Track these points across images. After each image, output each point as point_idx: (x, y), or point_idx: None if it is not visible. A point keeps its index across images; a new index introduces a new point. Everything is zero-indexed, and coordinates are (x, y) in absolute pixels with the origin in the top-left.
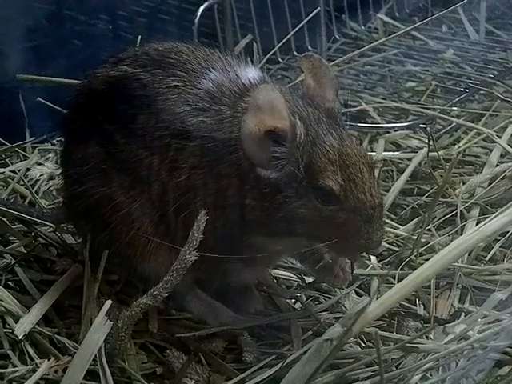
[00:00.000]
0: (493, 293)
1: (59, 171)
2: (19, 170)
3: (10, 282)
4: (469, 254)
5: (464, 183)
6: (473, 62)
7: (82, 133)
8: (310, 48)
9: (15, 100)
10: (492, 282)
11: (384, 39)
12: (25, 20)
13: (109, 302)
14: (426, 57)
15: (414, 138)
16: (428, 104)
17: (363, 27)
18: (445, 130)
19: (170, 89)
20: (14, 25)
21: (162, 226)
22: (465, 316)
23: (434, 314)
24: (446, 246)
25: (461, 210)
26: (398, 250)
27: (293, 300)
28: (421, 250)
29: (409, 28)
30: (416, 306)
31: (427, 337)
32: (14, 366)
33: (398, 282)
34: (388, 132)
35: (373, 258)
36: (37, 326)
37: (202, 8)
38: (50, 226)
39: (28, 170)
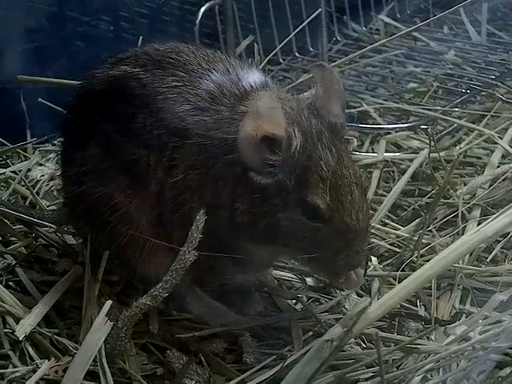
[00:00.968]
0: (494, 294)
1: (59, 172)
2: (20, 171)
3: (10, 283)
4: (470, 255)
5: (465, 184)
6: (474, 63)
7: (81, 133)
8: (311, 49)
9: (16, 101)
10: (493, 283)
11: (385, 40)
12: (26, 21)
13: (109, 303)
14: (428, 58)
15: (415, 138)
16: (429, 105)
17: (364, 28)
18: (446, 131)
19: (169, 88)
20: (16, 26)
21: (159, 227)
22: (466, 317)
23: (434, 315)
24: (447, 246)
25: (462, 211)
26: (398, 251)
27: (293, 301)
28: (422, 251)
29: (410, 29)
30: (417, 307)
31: (428, 338)
32: (15, 367)
33: (399, 283)
34: (389, 133)
35: (374, 258)
36: (37, 327)
37: (203, 9)
38: (51, 227)
39: (29, 170)
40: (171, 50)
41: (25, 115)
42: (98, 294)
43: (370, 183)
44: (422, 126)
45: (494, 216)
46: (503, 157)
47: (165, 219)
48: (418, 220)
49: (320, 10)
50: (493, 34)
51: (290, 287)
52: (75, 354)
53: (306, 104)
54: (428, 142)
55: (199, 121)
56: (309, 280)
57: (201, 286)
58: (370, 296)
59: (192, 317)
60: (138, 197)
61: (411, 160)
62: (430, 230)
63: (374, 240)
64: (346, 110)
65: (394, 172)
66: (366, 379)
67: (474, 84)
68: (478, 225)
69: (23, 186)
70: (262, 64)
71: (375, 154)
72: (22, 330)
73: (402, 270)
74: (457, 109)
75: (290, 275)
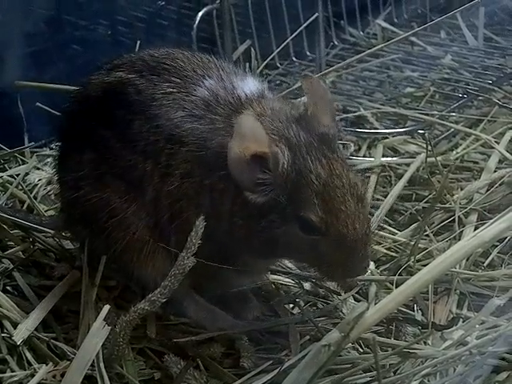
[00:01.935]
0: (491, 299)
1: (56, 177)
2: (17, 175)
3: (8, 287)
4: (467, 260)
5: (462, 189)
6: (471, 67)
7: (77, 139)
8: (308, 54)
9: (14, 105)
10: (490, 288)
11: (382, 45)
12: (24, 25)
13: (107, 307)
14: (425, 63)
15: (412, 143)
16: (426, 110)
17: (362, 33)
18: (443, 136)
19: (164, 95)
20: (14, 30)
21: (156, 232)
22: (463, 322)
23: (431, 319)
24: (444, 251)
25: (459, 216)
26: (396, 255)
27: (291, 305)
28: (419, 255)
29: (407, 34)
30: (414, 311)
31: (425, 343)
32: (12, 371)
33: (396, 287)
34: (386, 137)
35: (371, 263)
36: (35, 331)
37: (200, 13)
38: (49, 232)
39: (26, 174)
40: (166, 56)
41: (22, 119)
42: (96, 299)
43: (366, 189)
44: (419, 131)
45: (492, 221)
46: (500, 161)
47: (161, 226)
48: (414, 225)
49: (317, 14)
50: (490, 39)
51: (287, 292)
52: (73, 358)
53: (297, 115)
54: (425, 146)
55: (194, 128)
56: (306, 284)
57: (199, 291)
58: (368, 301)
59: (190, 321)
60: (134, 203)
61: (408, 164)
62: (427, 235)
63: (372, 250)
64: (343, 115)
65: (390, 176)
66: None
67: (470, 89)
68: (475, 230)
69: (21, 190)
70: (260, 68)
71: (372, 159)
72: (19, 334)
73: (399, 275)
74: (454, 113)
75: (287, 280)
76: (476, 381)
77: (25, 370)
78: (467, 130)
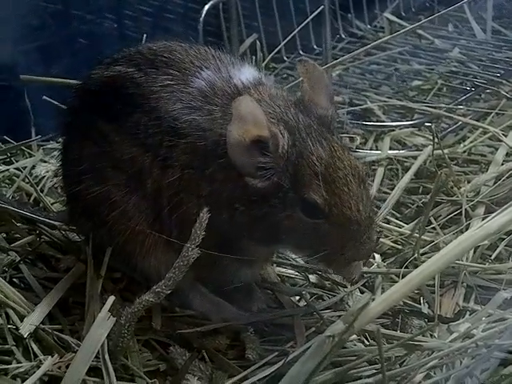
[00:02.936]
0: (498, 292)
1: (60, 171)
2: (24, 168)
3: (14, 279)
4: (474, 253)
5: (469, 182)
6: (479, 60)
7: (78, 133)
8: (315, 47)
9: (21, 98)
10: (497, 281)
11: (389, 37)
12: (31, 19)
13: (112, 298)
14: (432, 55)
15: (419, 136)
16: (433, 103)
17: (369, 26)
18: (450, 129)
19: (162, 87)
20: (20, 24)
21: (157, 224)
22: (469, 315)
23: (438, 312)
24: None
25: (466, 209)
26: (402, 248)
27: (296, 297)
28: (426, 248)
29: (414, 26)
30: (420, 304)
31: (431, 335)
32: (18, 362)
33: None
34: (393, 130)
35: (377, 256)
36: (40, 323)
37: (207, 7)
38: (55, 225)
39: (33, 167)
40: (164, 49)
41: (29, 113)
42: (101, 291)
43: (368, 171)
44: (426, 124)
45: (497, 212)
46: (507, 154)
47: (162, 218)
48: (419, 218)
49: (322, 7)
50: (498, 32)
51: (292, 284)
52: (78, 350)
53: (294, 100)
54: (432, 139)
55: (192, 120)
56: (312, 277)
57: (203, 282)
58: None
59: (195, 313)
60: (135, 195)
61: (415, 157)
62: (434, 228)
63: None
64: (350, 108)
65: (397, 169)
66: (369, 376)
67: (478, 82)
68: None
69: (27, 183)
70: (265, 61)
71: (379, 152)
72: (26, 327)
73: (405, 268)
74: (461, 106)
75: (292, 272)
76: (482, 374)
77: (30, 362)
78: (475, 122)
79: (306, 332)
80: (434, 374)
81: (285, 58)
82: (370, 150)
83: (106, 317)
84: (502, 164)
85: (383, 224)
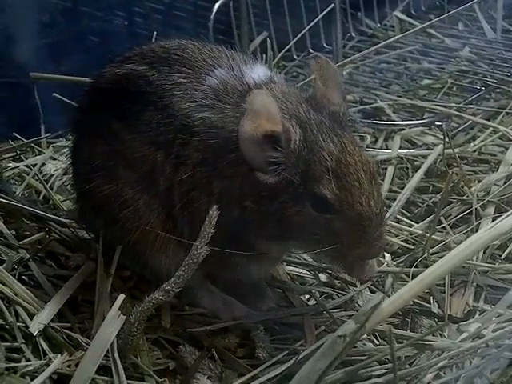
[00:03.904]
0: (508, 291)
1: (70, 169)
2: (34, 165)
3: (24, 277)
4: (484, 253)
5: (479, 181)
6: (489, 60)
7: (90, 130)
8: (325, 45)
9: (30, 96)
10: (507, 281)
11: (400, 36)
12: (41, 16)
13: (121, 297)
14: (442, 54)
15: (429, 135)
16: (444, 102)
17: (379, 25)
18: (460, 128)
19: (175, 85)
20: (30, 21)
21: (168, 222)
22: (479, 314)
23: (448, 312)
24: (461, 243)
25: (476, 208)
26: (412, 247)
27: (306, 296)
28: (436, 248)
29: (424, 25)
30: (430, 304)
31: (441, 335)
32: (28, 360)
33: (412, 279)
34: (403, 129)
35: (387, 255)
36: (50, 322)
37: (217, 5)
38: (65, 224)
39: (43, 165)
40: (177, 47)
41: (39, 110)
42: (111, 289)
43: (378, 167)
44: (437, 123)
45: (509, 213)
46: None
47: (174, 215)
48: (431, 217)
49: (332, 5)
50: (508, 31)
51: (302, 283)
52: (87, 348)
53: (306, 96)
54: (442, 138)
55: (204, 118)
56: (322, 275)
57: (213, 280)
58: (383, 292)
59: (204, 311)
60: (146, 193)
61: (425, 156)
62: (444, 227)
63: (387, 237)
64: (360, 107)
65: (407, 168)
66: (379, 376)
67: (488, 81)
68: (492, 222)
69: (37, 180)
70: (276, 60)
71: (389, 151)
72: (35, 325)
73: (416, 267)
74: (471, 105)
75: (302, 271)
76: (492, 374)
77: (40, 360)
78: (485, 122)
79: (316, 331)
80: (444, 373)
81: (295, 57)
82: (380, 148)
83: (116, 315)
84: None
85: (393, 223)
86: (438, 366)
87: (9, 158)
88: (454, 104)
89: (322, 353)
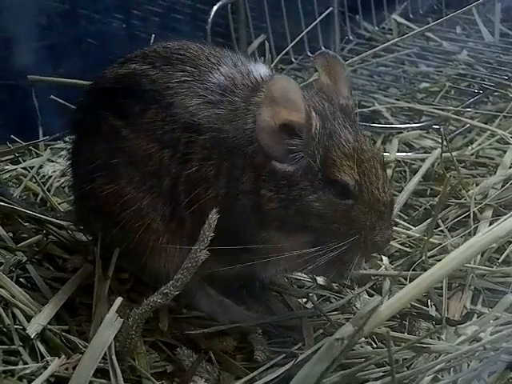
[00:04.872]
0: (505, 295)
1: (69, 170)
2: (31, 168)
3: (21, 279)
4: (481, 256)
5: (477, 185)
6: (487, 63)
7: (92, 131)
8: (323, 48)
9: (28, 98)
10: (504, 284)
11: (397, 39)
12: (39, 18)
13: (119, 300)
14: (440, 58)
15: (427, 138)
16: (441, 105)
17: (377, 28)
18: (458, 131)
19: (179, 83)
20: (28, 23)
21: (174, 222)
22: (477, 317)
23: (445, 315)
24: (459, 247)
25: (474, 212)
26: (410, 251)
27: (304, 299)
28: (434, 251)
29: (422, 28)
30: (428, 307)
31: (439, 338)
32: (25, 363)
33: (410, 282)
34: (401, 132)
35: (385, 258)
36: (47, 324)
37: (215, 7)
38: (63, 226)
39: (40, 167)
40: (179, 47)
41: (37, 112)
42: (108, 292)
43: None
44: (434, 126)
45: (507, 216)
46: None
47: (181, 214)
48: (429, 220)
49: (331, 8)
50: (506, 35)
51: (300, 286)
52: (85, 351)
53: (316, 90)
54: (440, 141)
55: (213, 115)
56: (319, 279)
57: (217, 283)
58: (381, 296)
59: (202, 314)
60: (150, 193)
61: (423, 160)
62: (442, 230)
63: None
64: (358, 110)
65: (405, 172)
66: (377, 379)
67: (486, 84)
68: (490, 225)
69: (34, 182)
70: (274, 63)
71: (387, 154)
72: (33, 328)
73: (413, 270)
74: (469, 109)
75: (300, 274)
76: (490, 377)
77: (37, 362)
78: (483, 125)
79: (314, 334)
80: (442, 376)
81: (293, 60)
82: None
83: (114, 318)
84: (510, 167)
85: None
86: (435, 369)
87: (6, 160)
88: (451, 107)
89: (319, 356)
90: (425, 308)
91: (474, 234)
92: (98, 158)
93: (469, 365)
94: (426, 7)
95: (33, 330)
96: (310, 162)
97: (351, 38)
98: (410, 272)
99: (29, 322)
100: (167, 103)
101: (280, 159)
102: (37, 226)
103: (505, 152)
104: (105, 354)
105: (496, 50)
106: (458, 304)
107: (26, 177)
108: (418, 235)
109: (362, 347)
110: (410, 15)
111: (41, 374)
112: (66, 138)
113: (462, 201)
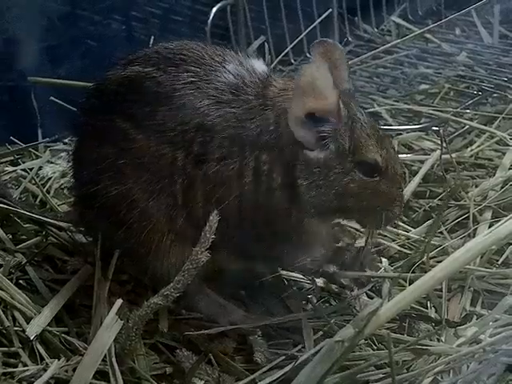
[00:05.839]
0: (504, 296)
1: (71, 172)
2: (31, 169)
3: (21, 281)
4: (481, 258)
5: (477, 186)
6: (486, 65)
7: (96, 133)
8: None
9: (28, 99)
10: (504, 286)
11: (397, 41)
12: (38, 20)
13: (119, 302)
14: (439, 59)
15: (426, 140)
16: (441, 107)
17: (376, 29)
18: (458, 133)
19: (186, 84)
20: (28, 24)
21: (185, 223)
22: (476, 319)
23: (445, 316)
24: (458, 248)
25: (473, 213)
26: (409, 252)
27: (304, 301)
28: (433, 252)
29: (422, 30)
30: (427, 308)
31: (438, 339)
32: (25, 365)
33: (410, 284)
34: (400, 134)
35: (384, 260)
36: (47, 326)
37: (214, 9)
38: (62, 227)
39: (40, 168)
40: (182, 47)
41: (36, 113)
42: (108, 293)
43: None
44: (434, 128)
45: (507, 218)
46: None
47: (197, 215)
48: (429, 222)
49: (330, 10)
50: (505, 36)
51: (299, 288)
52: (85, 353)
53: None
54: (439, 143)
55: (226, 114)
56: (319, 281)
57: (211, 285)
58: (381, 298)
59: (202, 316)
60: (157, 194)
61: (422, 161)
62: (441, 232)
63: (384, 241)
64: None
65: (405, 173)
66: (377, 380)
67: (485, 86)
68: (490, 227)
69: (34, 184)
70: (273, 64)
71: None
72: (32, 329)
73: (413, 272)
74: (468, 110)
75: (299, 276)
76: (489, 379)
77: (37, 365)
78: (482, 127)
79: (314, 336)
80: (441, 378)
81: (292, 61)
82: None
83: (114, 320)
84: (510, 168)
85: (391, 228)
86: (435, 371)
87: (6, 162)
88: (451, 109)
89: (320, 358)
90: (424, 310)
91: (474, 236)
92: (104, 160)
93: (468, 366)
94: (425, 9)
95: (32, 331)
96: (340, 146)
97: (350, 39)
98: (410, 274)
99: (28, 323)
100: (176, 105)
101: (312, 147)
102: (36, 228)
103: (504, 153)
104: (105, 355)
105: (495, 52)
106: (457, 306)
107: (25, 178)
108: (417, 237)
109: (361, 349)
110: (409, 17)
111: (40, 376)
112: (66, 140)
113: (462, 202)
